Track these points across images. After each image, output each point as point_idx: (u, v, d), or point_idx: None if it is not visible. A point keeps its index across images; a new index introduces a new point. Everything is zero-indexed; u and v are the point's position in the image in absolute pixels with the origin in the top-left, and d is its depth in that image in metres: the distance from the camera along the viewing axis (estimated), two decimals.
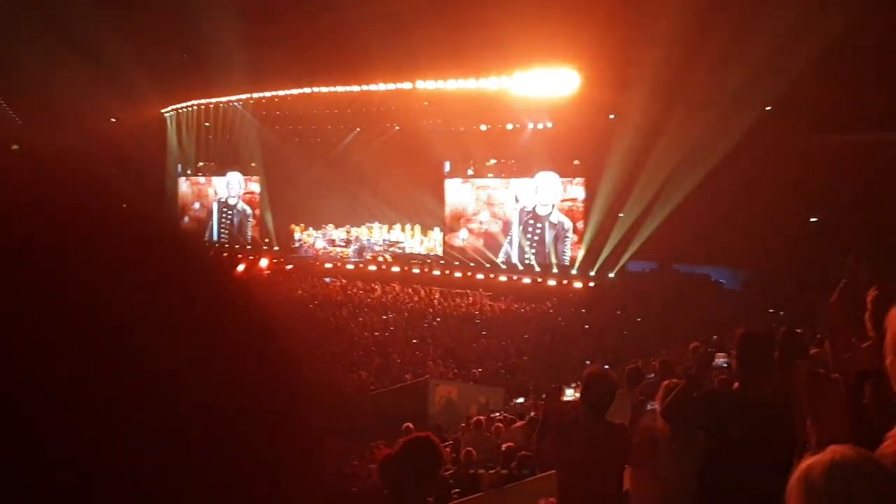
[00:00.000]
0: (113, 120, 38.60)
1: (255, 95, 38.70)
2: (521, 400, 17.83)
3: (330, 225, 38.20)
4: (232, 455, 0.35)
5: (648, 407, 5.05)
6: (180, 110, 42.73)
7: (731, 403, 3.85)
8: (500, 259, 33.39)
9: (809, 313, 15.80)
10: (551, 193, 32.23)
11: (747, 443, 3.57)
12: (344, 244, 37.70)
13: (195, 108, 42.05)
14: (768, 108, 25.75)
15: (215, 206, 42.51)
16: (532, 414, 11.47)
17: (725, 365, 7.83)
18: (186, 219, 43.36)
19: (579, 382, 6.49)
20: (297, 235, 39.09)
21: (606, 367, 10.49)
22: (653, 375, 7.75)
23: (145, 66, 33.99)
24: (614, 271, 30.33)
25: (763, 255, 24.12)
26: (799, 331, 7.81)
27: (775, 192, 24.35)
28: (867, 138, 23.68)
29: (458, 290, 31.13)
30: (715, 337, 17.04)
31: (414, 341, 24.09)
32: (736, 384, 4.02)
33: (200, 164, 43.24)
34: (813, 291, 15.46)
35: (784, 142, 25.02)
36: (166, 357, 0.33)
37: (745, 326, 4.13)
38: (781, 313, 21.41)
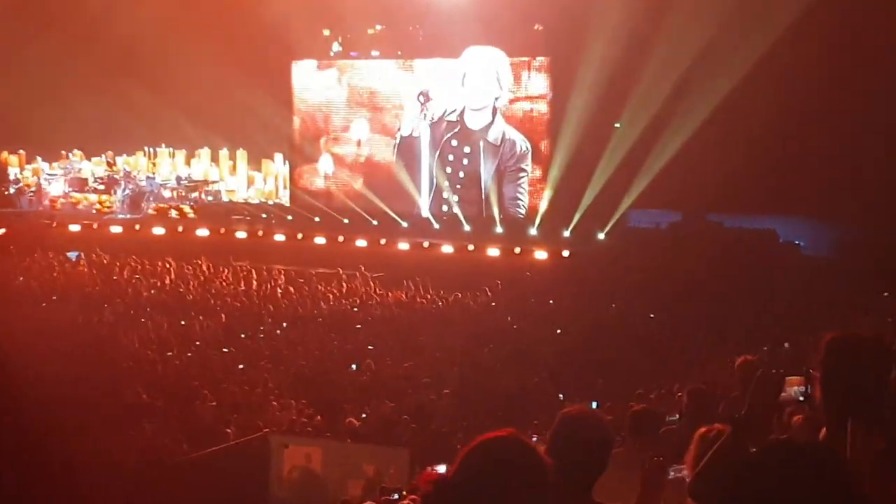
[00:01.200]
0: None
1: None
2: (441, 469, 18.03)
3: (76, 153, 37.67)
4: None
5: (671, 475, 5.20)
6: None
7: (814, 466, 3.98)
8: (394, 210, 33.44)
9: None
10: (491, 88, 32.38)
11: None
12: (104, 187, 37.19)
13: None
14: None
15: None
16: None
17: (803, 398, 8.07)
18: None
19: (546, 433, 6.62)
20: (12, 173, 38.39)
21: (594, 404, 10.68)
22: (677, 417, 7.96)
23: None
24: (606, 230, 30.78)
25: (864, 200, 24.80)
26: None
27: (878, 97, 24.96)
28: None
29: (321, 271, 31.12)
30: (786, 345, 17.54)
31: (240, 366, 24.01)
32: (823, 430, 4.15)
33: None
34: None
35: None
36: None
37: (837, 328, 4.26)
38: None
